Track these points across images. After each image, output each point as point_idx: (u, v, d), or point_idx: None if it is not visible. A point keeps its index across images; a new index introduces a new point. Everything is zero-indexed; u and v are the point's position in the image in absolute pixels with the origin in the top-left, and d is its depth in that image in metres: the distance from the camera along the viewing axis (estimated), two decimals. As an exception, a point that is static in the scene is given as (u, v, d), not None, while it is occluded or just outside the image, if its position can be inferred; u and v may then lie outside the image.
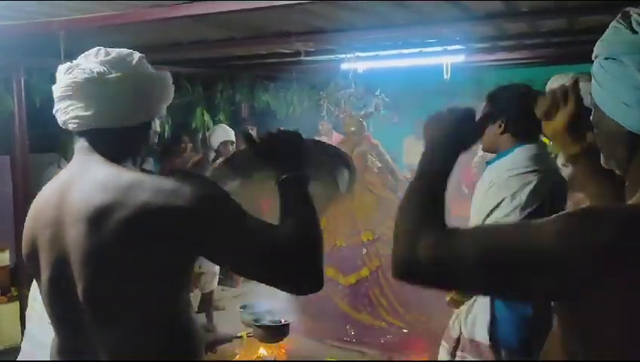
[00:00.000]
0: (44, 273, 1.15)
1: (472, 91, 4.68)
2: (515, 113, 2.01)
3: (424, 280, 0.93)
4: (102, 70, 1.13)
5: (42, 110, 3.74)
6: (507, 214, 1.90)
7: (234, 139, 4.70)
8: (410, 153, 7.03)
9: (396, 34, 3.34)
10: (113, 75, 1.13)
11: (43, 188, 1.22)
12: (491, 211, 1.95)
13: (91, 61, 1.16)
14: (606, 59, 0.88)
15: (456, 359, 2.08)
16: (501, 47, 4.28)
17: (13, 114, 3.66)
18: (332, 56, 4.33)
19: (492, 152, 2.28)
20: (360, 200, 3.69)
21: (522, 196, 1.89)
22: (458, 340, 2.09)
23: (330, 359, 3.50)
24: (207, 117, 5.17)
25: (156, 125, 1.26)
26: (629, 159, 0.88)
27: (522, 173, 1.95)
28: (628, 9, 0.88)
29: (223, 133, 4.68)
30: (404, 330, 3.50)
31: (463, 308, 2.08)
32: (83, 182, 1.12)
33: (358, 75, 3.99)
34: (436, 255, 0.88)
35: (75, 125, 1.16)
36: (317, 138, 6.53)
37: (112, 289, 1.09)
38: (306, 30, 3.23)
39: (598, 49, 0.91)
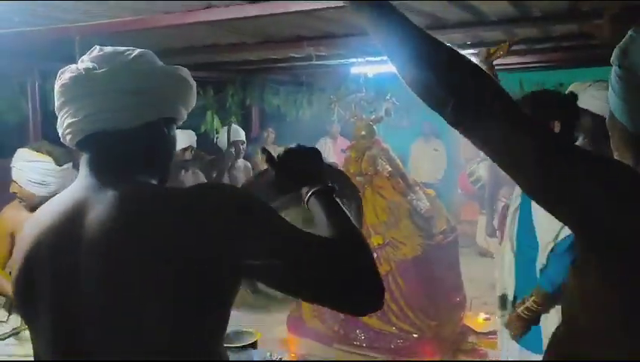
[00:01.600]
0: (45, 313, 0.95)
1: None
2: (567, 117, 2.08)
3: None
4: (90, 66, 0.99)
5: (55, 114, 3.79)
6: None
7: (244, 139, 4.76)
8: (418, 157, 7.07)
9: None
10: (101, 70, 0.98)
11: (37, 211, 1.05)
12: None
13: (83, 60, 1.02)
14: (619, 66, 0.91)
15: None
16: (512, 51, 4.27)
17: (27, 118, 3.71)
18: (342, 61, 4.35)
19: None
20: (370, 204, 3.69)
21: None
22: None
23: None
24: (217, 121, 5.21)
25: (172, 130, 1.09)
26: (636, 163, 0.91)
27: None
28: None
29: (234, 133, 4.77)
30: (415, 335, 3.49)
31: None
32: (94, 205, 0.94)
33: (368, 79, 4.00)
34: None
35: (70, 135, 1.00)
36: (326, 139, 6.61)
37: (139, 329, 0.89)
38: (318, 35, 3.25)
39: (614, 56, 0.93)
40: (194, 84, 1.10)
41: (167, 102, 1.05)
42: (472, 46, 3.78)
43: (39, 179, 2.18)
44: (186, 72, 1.07)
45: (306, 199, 1.08)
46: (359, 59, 4.04)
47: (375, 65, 4.14)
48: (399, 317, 3.52)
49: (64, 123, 1.00)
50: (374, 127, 3.90)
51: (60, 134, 1.03)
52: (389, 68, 4.01)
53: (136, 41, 3.18)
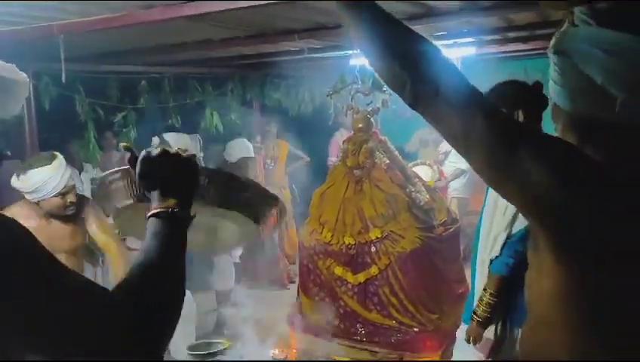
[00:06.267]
0: None
1: (484, 84, 4.60)
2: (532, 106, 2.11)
3: None
4: None
5: (50, 113, 3.79)
6: None
7: (253, 155, 4.63)
8: (424, 147, 6.98)
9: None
10: None
11: None
12: None
13: None
14: (555, 53, 0.92)
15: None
16: (512, 39, 4.20)
17: (22, 118, 3.71)
18: (340, 53, 4.29)
19: None
20: (368, 197, 3.64)
21: None
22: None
23: (340, 358, 3.47)
24: (216, 117, 5.19)
25: None
26: (582, 147, 0.91)
27: None
28: (576, 8, 0.91)
29: (244, 149, 4.59)
30: (415, 329, 3.45)
31: None
32: None
33: (364, 70, 3.93)
34: None
35: None
36: (341, 130, 6.52)
37: None
38: (308, 27, 3.20)
39: (551, 44, 0.93)
40: None
41: None
42: (468, 34, 3.70)
43: None
44: None
45: (147, 215, 0.91)
46: (356, 51, 3.98)
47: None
48: (399, 310, 3.48)
49: None
50: (372, 119, 3.83)
51: None
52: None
53: (125, 38, 3.17)
